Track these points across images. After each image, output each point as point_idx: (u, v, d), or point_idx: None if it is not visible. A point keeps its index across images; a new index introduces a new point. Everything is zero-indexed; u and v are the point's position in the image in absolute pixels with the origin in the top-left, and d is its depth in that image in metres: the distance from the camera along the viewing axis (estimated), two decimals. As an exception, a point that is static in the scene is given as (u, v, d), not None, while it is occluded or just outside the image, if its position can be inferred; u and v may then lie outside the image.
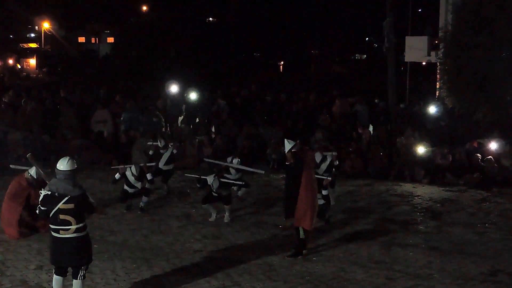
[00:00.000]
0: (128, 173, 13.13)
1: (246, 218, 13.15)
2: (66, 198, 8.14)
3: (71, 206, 8.17)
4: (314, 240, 11.28)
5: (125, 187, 13.29)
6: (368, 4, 40.02)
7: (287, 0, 43.47)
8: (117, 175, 13.26)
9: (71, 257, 8.29)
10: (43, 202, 8.24)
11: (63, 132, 19.74)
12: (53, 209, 8.16)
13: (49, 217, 8.25)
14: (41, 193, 8.30)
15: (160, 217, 13.18)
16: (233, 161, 13.46)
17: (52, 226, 8.26)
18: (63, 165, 8.27)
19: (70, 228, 8.20)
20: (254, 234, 12.02)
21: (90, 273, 9.17)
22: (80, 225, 8.27)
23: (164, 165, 14.80)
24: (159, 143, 14.91)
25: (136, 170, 13.10)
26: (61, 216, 8.16)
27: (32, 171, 11.50)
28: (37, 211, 8.41)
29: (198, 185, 13.09)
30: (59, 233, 8.22)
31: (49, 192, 8.20)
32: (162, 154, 14.82)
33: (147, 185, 13.51)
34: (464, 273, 10.15)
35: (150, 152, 14.38)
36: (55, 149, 18.22)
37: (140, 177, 13.23)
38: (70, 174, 8.25)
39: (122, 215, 13.15)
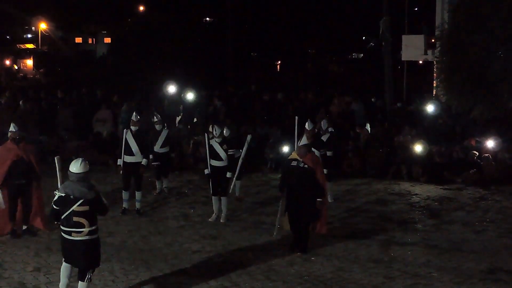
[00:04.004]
0: None
1: (245, 219, 13.14)
2: (81, 201, 8.14)
3: (85, 208, 8.19)
4: (313, 239, 11.27)
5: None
6: (365, 3, 40.03)
7: (283, -1, 43.46)
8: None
9: (81, 259, 8.32)
10: (57, 203, 8.26)
11: (60, 133, 19.72)
12: (67, 211, 8.17)
13: (62, 220, 8.25)
14: (55, 193, 8.30)
15: (158, 218, 13.17)
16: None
17: (64, 228, 8.27)
18: (76, 167, 8.27)
19: (83, 231, 8.22)
20: (253, 235, 12.01)
21: (88, 274, 9.16)
22: (93, 227, 8.30)
23: (160, 147, 14.77)
24: (155, 118, 15.01)
25: None
26: (75, 218, 8.17)
27: (12, 127, 11.61)
28: (50, 211, 8.44)
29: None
30: (71, 235, 8.23)
31: (63, 194, 8.19)
32: (159, 132, 14.80)
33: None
34: (463, 271, 10.16)
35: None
36: (52, 150, 18.18)
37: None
38: (84, 176, 8.27)
39: (120, 216, 13.13)
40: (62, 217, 8.22)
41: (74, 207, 8.14)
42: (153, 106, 20.86)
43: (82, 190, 8.17)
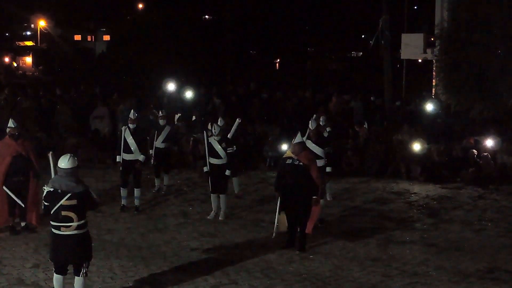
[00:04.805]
0: None
1: (243, 216, 13.14)
2: (69, 195, 8.15)
3: (73, 202, 8.18)
4: (311, 238, 11.27)
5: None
6: (364, 1, 40.04)
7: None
8: None
9: (72, 254, 8.28)
10: (46, 198, 8.26)
11: (59, 130, 19.71)
12: (55, 206, 8.17)
13: (51, 214, 8.25)
14: (44, 189, 8.30)
15: (156, 215, 13.17)
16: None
17: (53, 223, 8.26)
18: (64, 162, 8.27)
19: (71, 225, 8.20)
20: (251, 232, 12.01)
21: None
22: (82, 221, 8.28)
23: (161, 142, 14.79)
24: (160, 112, 15.16)
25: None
26: (63, 213, 8.16)
27: (10, 123, 11.61)
28: (42, 206, 8.43)
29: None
30: (60, 230, 8.22)
31: (52, 189, 8.20)
32: (162, 127, 14.83)
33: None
34: (461, 270, 10.16)
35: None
36: (51, 147, 18.17)
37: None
38: (72, 172, 8.26)
39: (118, 213, 13.13)
40: (52, 212, 8.22)
41: (62, 201, 8.14)
42: (151, 103, 20.85)
43: (70, 184, 8.18)
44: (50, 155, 8.83)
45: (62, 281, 8.45)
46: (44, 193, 8.28)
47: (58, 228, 8.23)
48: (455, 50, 17.39)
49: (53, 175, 8.50)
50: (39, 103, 21.32)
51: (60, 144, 18.57)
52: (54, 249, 8.37)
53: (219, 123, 13.35)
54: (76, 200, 8.19)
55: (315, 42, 48.81)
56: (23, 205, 11.56)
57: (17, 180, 11.54)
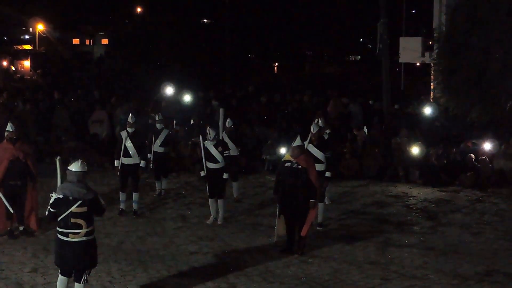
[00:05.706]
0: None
1: (242, 220, 13.14)
2: (80, 202, 8.15)
3: (84, 209, 8.20)
4: (310, 241, 11.28)
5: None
6: (362, 5, 40.14)
7: (281, 1, 43.48)
8: None
9: (78, 260, 8.28)
10: (54, 205, 8.23)
11: (57, 134, 19.70)
12: (64, 212, 8.16)
13: (58, 221, 8.24)
14: (52, 196, 8.28)
15: (155, 219, 13.16)
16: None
17: (60, 230, 8.25)
18: (75, 166, 8.30)
19: (80, 232, 8.21)
20: (250, 236, 12.01)
21: (85, 275, 9.14)
22: (90, 228, 8.30)
23: (159, 146, 14.78)
24: (156, 117, 15.17)
25: None
26: (73, 220, 8.17)
27: (9, 127, 11.60)
28: (46, 213, 8.42)
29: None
30: (68, 237, 8.21)
31: (62, 196, 8.18)
32: (160, 131, 14.82)
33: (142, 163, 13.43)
34: (459, 273, 10.17)
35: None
36: (49, 151, 18.16)
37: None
38: (82, 176, 8.29)
39: (117, 217, 13.13)
40: (59, 218, 8.20)
41: (72, 208, 8.14)
42: (149, 107, 20.84)
43: (81, 191, 8.19)
44: (57, 160, 8.82)
45: (66, 283, 8.46)
46: (52, 200, 8.26)
47: (66, 234, 8.22)
48: (453, 53, 17.38)
49: (59, 182, 8.48)
50: (37, 107, 21.30)
51: (58, 148, 18.55)
52: (60, 255, 8.35)
53: (227, 124, 13.41)
54: (86, 207, 8.21)
55: (313, 45, 48.91)
56: (12, 211, 11.52)
57: (14, 184, 11.52)
